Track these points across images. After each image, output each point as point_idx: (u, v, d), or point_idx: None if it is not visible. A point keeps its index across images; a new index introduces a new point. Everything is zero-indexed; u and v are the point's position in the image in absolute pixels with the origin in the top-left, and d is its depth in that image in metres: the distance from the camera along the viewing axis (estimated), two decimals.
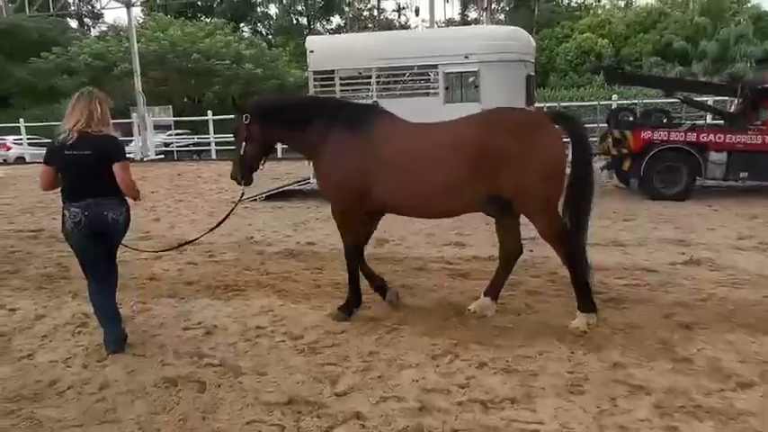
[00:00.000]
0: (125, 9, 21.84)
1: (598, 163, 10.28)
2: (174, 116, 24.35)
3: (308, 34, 46.29)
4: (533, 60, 9.52)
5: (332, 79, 9.40)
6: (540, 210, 3.83)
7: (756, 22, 31.66)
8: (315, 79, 9.45)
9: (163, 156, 22.07)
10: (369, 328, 4.05)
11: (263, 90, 30.78)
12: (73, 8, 33.77)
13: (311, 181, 9.78)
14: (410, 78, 9.29)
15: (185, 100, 30.79)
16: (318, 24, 47.10)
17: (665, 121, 9.91)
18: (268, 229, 7.70)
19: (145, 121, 20.39)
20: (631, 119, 9.87)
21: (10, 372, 3.50)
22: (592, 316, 3.91)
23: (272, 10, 46.70)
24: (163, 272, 5.73)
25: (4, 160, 22.97)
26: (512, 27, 10.01)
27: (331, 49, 9.69)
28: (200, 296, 4.88)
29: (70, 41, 32.44)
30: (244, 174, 4.41)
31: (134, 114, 21.42)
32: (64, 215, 3.83)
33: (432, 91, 9.21)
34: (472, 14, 46.78)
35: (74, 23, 44.68)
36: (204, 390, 3.23)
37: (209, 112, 21.09)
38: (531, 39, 9.52)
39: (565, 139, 3.98)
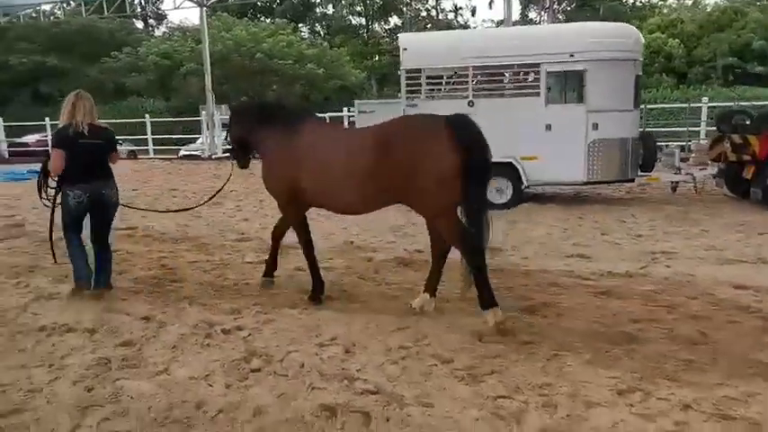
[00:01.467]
0: (192, 10, 22.13)
1: (708, 170, 9.57)
2: None
3: (365, 34, 46.43)
4: (641, 59, 8.88)
5: (427, 78, 9.01)
6: (436, 214, 4.05)
7: None
8: (408, 78, 9.07)
9: (228, 154, 22.19)
10: (525, 353, 3.62)
11: (325, 90, 30.89)
12: (141, 10, 34.51)
13: None
14: (509, 78, 8.79)
15: (246, 98, 31.08)
16: (376, 24, 47.00)
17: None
18: (365, 233, 7.37)
19: (213, 119, 20.51)
20: (748, 122, 9.09)
21: (152, 389, 3.23)
22: (497, 310, 3.96)
23: (331, 10, 46.78)
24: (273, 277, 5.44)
25: None
26: (621, 23, 9.36)
27: (426, 47, 9.28)
28: (323, 307, 4.56)
29: (138, 42, 33.33)
30: (237, 162, 5.40)
31: (203, 112, 21.61)
32: (67, 194, 4.57)
33: (532, 91, 8.69)
34: (531, 14, 45.83)
35: (139, 24, 46.10)
36: (370, 422, 2.87)
37: None
38: (641, 36, 8.88)
39: None
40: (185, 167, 18.17)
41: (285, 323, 4.23)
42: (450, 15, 47.41)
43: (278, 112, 4.84)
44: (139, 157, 23.29)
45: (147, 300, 4.82)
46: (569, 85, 9.13)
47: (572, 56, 8.38)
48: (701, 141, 14.54)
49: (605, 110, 8.38)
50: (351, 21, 47.23)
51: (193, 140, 23.92)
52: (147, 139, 22.90)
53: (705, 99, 16.51)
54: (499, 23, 39.30)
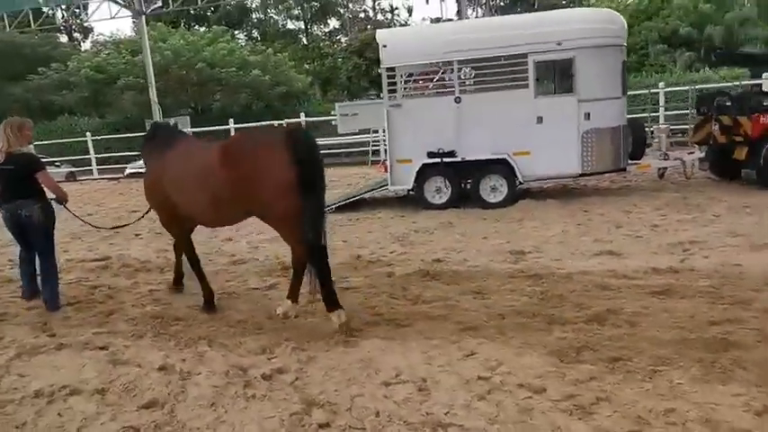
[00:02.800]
0: (123, 21, 20.86)
1: (694, 154, 9.56)
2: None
3: (304, 38, 45.55)
4: (626, 45, 8.73)
5: (407, 75, 8.56)
6: (278, 222, 4.24)
7: (760, 4, 31.45)
8: (388, 77, 8.57)
9: None
10: (621, 372, 3.21)
11: (270, 97, 29.89)
12: (65, 23, 32.53)
13: (389, 188, 8.92)
14: (496, 70, 8.44)
15: (189, 110, 29.72)
16: (315, 27, 46.23)
17: (765, 104, 9.11)
18: (370, 245, 6.82)
19: None
20: (728, 103, 9.06)
21: None
22: (341, 312, 4.10)
23: (268, 15, 45.67)
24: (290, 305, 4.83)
25: None
26: (605, 9, 9.16)
27: (406, 43, 8.80)
28: (367, 335, 4.01)
29: (65, 57, 31.33)
30: None
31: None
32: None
33: (521, 84, 8.36)
34: (468, 12, 46.13)
35: (63, 38, 43.47)
36: None
37: (231, 120, 20.07)
38: (625, 21, 8.73)
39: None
40: (137, 186, 17.02)
41: (331, 360, 3.67)
42: (388, 16, 47.31)
43: (152, 134, 5.27)
44: (80, 178, 21.78)
45: (155, 344, 4.14)
46: (558, 75, 8.89)
47: (559, 44, 8.10)
48: (661, 126, 14.70)
49: (596, 98, 8.17)
50: (288, 25, 46.30)
51: (139, 157, 22.57)
52: (89, 159, 21.44)
53: (662, 84, 16.78)
54: (435, 21, 39.39)
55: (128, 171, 21.32)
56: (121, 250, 7.51)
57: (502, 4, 44.89)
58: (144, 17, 19.24)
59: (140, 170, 21.10)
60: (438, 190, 8.72)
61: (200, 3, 18.84)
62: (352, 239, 7.21)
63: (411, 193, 8.96)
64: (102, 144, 24.71)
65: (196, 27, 40.66)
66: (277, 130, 4.35)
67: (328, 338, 4.01)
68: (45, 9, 23.79)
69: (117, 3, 18.52)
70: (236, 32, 42.96)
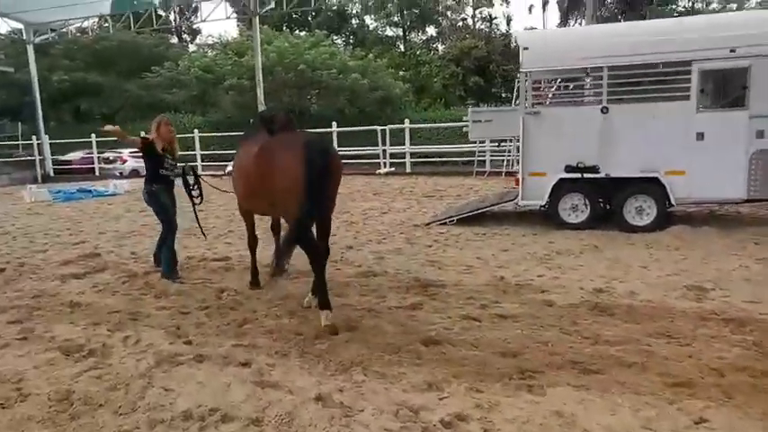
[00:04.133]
0: (227, 23, 21.25)
1: None
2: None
3: (401, 45, 45.49)
4: None
5: (551, 81, 7.84)
6: (286, 215, 4.65)
7: None
8: (527, 81, 7.88)
9: None
10: None
11: (368, 102, 29.81)
12: (176, 24, 33.99)
13: (519, 202, 8.21)
14: (651, 79, 7.56)
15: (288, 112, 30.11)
16: (413, 34, 46.07)
17: None
18: (511, 264, 6.15)
19: None
20: None
21: None
22: (328, 313, 4.37)
23: (368, 21, 46.06)
24: (445, 330, 4.26)
25: (121, 173, 22.87)
26: None
27: (551, 46, 8.07)
28: (553, 380, 3.35)
29: (177, 57, 32.75)
30: None
31: None
32: None
33: (681, 95, 7.42)
34: (571, 23, 44.41)
35: (173, 39, 45.72)
36: None
37: (334, 123, 20.04)
38: None
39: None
40: None
41: (520, 409, 3.04)
42: (488, 24, 46.34)
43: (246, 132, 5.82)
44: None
45: (303, 366, 3.69)
46: (727, 86, 7.87)
47: (733, 51, 7.11)
48: None
49: None
50: (386, 32, 46.40)
51: None
52: (194, 155, 22.13)
53: None
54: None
55: (228, 169, 21.77)
56: (240, 250, 7.26)
57: (607, 15, 42.90)
58: (257, 17, 19.46)
59: None
60: (574, 208, 7.91)
61: (313, 4, 18.64)
62: (486, 257, 6.56)
63: (543, 209, 8.20)
64: (205, 142, 25.52)
65: (297, 32, 41.52)
66: (301, 135, 4.75)
67: (505, 378, 3.40)
68: (162, 13, 24.97)
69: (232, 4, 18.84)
70: (335, 38, 43.56)
